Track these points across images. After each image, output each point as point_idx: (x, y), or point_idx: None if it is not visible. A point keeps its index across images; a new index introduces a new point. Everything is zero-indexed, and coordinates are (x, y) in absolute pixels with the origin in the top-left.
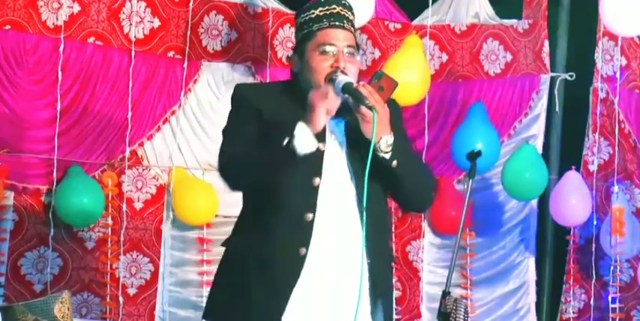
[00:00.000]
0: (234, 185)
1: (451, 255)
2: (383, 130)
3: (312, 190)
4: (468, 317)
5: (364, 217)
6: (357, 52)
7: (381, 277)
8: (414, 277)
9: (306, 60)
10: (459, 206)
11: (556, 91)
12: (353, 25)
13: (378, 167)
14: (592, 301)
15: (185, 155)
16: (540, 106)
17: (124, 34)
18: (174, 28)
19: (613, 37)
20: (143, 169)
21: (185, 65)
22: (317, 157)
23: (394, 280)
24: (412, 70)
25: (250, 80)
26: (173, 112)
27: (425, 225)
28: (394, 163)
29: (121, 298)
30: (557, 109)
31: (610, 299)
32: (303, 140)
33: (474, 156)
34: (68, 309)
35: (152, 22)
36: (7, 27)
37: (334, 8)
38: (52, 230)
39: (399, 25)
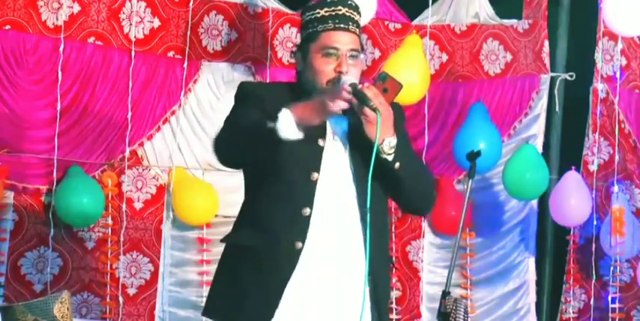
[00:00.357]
0: (225, 161)
1: (451, 255)
2: (386, 132)
3: (310, 185)
4: (467, 317)
5: (368, 218)
6: (361, 53)
7: (381, 277)
8: (414, 277)
9: (310, 61)
10: (459, 206)
11: (556, 91)
12: (358, 26)
13: (380, 168)
14: (592, 301)
15: (185, 155)
16: (540, 106)
17: (124, 34)
18: (174, 28)
19: (613, 37)
20: (143, 169)
21: (185, 65)
22: (316, 152)
23: (394, 280)
24: (412, 70)
25: (250, 80)
26: (173, 112)
27: (425, 225)
28: (397, 165)
29: (120, 298)
30: (557, 109)
31: (610, 299)
32: (286, 127)
33: (473, 156)
34: (68, 309)
35: (152, 22)
36: (7, 27)
37: (340, 9)
38: (52, 230)
39: (399, 25)
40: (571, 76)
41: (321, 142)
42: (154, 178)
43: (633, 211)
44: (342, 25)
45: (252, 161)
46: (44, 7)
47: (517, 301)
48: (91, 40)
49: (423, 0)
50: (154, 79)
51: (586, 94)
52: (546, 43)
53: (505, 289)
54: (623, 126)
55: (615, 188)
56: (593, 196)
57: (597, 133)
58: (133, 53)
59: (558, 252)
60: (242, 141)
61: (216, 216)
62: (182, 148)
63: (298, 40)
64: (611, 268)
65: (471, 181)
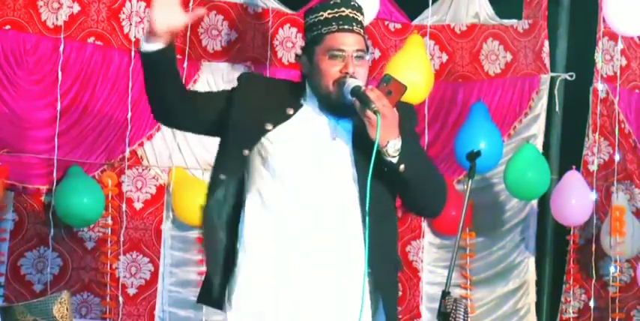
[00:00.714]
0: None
1: (451, 255)
2: (390, 134)
3: (241, 158)
4: (467, 317)
5: (367, 220)
6: (366, 53)
7: (385, 279)
8: (413, 277)
9: (316, 63)
10: (459, 206)
11: (556, 91)
12: (362, 27)
13: (385, 171)
14: (592, 301)
15: (185, 155)
16: (540, 106)
17: (124, 34)
18: None
19: (613, 37)
20: (143, 169)
21: (185, 65)
22: (258, 132)
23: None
24: (415, 70)
25: None
26: None
27: (425, 225)
28: (401, 167)
29: (120, 298)
30: (557, 109)
31: (610, 299)
32: (147, 39)
33: (473, 156)
34: (67, 309)
35: None
36: (7, 27)
37: (343, 11)
38: (52, 230)
39: (399, 25)
40: (571, 76)
41: (289, 111)
42: (153, 178)
43: (633, 211)
44: (346, 27)
45: (168, 104)
46: (44, 7)
47: (517, 301)
48: (91, 40)
49: (423, 0)
50: None
51: (586, 94)
52: (546, 43)
53: (505, 289)
54: (623, 126)
55: (615, 188)
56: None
57: (597, 133)
58: (132, 53)
59: (558, 252)
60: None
61: None
62: (182, 148)
63: (299, 41)
64: (611, 268)
65: (470, 181)
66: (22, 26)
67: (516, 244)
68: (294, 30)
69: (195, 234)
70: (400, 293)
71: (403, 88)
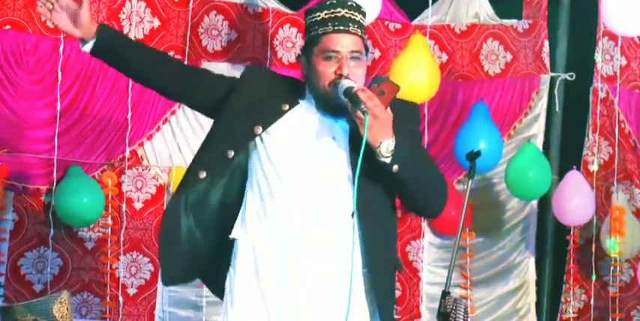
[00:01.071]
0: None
1: (451, 255)
2: (383, 135)
3: (224, 161)
4: (467, 317)
5: (354, 221)
6: (364, 55)
7: (379, 283)
8: (413, 277)
9: (313, 64)
10: (458, 206)
11: (556, 91)
12: (361, 26)
13: (379, 171)
14: (592, 301)
15: (185, 155)
16: (540, 106)
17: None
18: (174, 28)
19: (613, 37)
20: (143, 169)
21: None
22: (246, 134)
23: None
24: (421, 69)
25: None
26: (173, 112)
27: (424, 225)
28: (395, 167)
29: (120, 298)
30: (557, 109)
31: (610, 299)
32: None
33: (473, 156)
34: (67, 309)
35: (152, 22)
36: (7, 27)
37: (339, 11)
38: (52, 230)
39: (399, 25)
40: (571, 76)
41: (257, 130)
42: (153, 178)
43: (633, 211)
44: (341, 28)
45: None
46: None
47: (517, 301)
48: None
49: (423, 0)
50: None
51: (586, 94)
52: (546, 43)
53: (505, 289)
54: (623, 126)
55: (615, 188)
56: (594, 196)
57: (597, 133)
58: None
59: (558, 252)
60: None
61: None
62: (182, 148)
63: (299, 41)
64: (611, 268)
65: (470, 181)
66: (22, 26)
67: (516, 244)
68: (294, 30)
69: None
70: (400, 293)
71: (396, 89)
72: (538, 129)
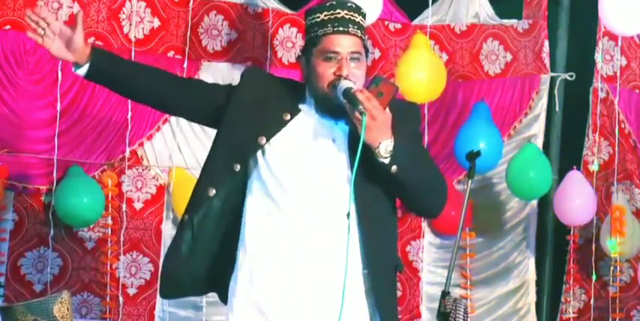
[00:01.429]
0: None
1: (451, 255)
2: (382, 136)
3: (231, 174)
4: (467, 317)
5: (348, 222)
6: (364, 55)
7: (380, 284)
8: (413, 277)
9: (312, 65)
10: (458, 206)
11: (556, 91)
12: (360, 27)
13: (377, 171)
14: (592, 301)
15: (185, 155)
16: (540, 106)
17: (124, 34)
18: (174, 28)
19: (613, 37)
20: (143, 169)
21: (185, 65)
22: (251, 147)
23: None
24: (427, 69)
25: None
26: None
27: (425, 225)
28: (393, 168)
29: (121, 298)
30: (557, 109)
31: (610, 299)
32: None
33: (473, 156)
34: (68, 309)
35: (152, 22)
36: (7, 27)
37: (339, 13)
38: (52, 230)
39: (399, 25)
40: (571, 76)
41: (260, 140)
42: (153, 178)
43: (633, 211)
44: (341, 29)
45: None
46: (44, 7)
47: (517, 301)
48: (91, 40)
49: (423, 0)
50: None
51: (586, 94)
52: (546, 43)
53: (505, 289)
54: (623, 126)
55: (615, 188)
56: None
57: (597, 133)
58: (133, 53)
59: (558, 252)
60: None
61: None
62: (182, 148)
63: (299, 41)
64: (611, 268)
65: (470, 181)
66: (22, 26)
67: (516, 244)
68: (294, 30)
69: None
70: (400, 293)
71: (394, 89)
72: (538, 129)
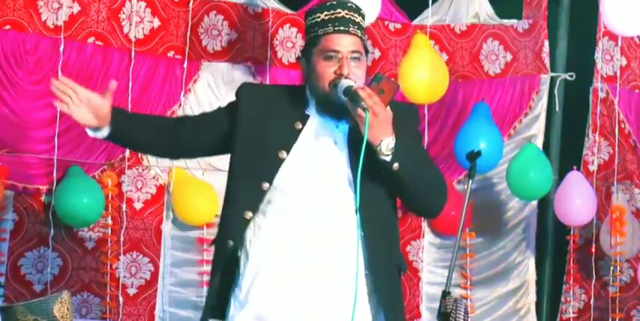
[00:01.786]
0: None
1: (451, 255)
2: (383, 133)
3: (259, 194)
4: (467, 317)
5: (358, 219)
6: (364, 55)
7: (382, 284)
8: (413, 277)
9: (313, 65)
10: (459, 206)
11: (556, 91)
12: (360, 28)
13: (379, 169)
14: (592, 301)
15: None
16: (540, 106)
17: (124, 34)
18: (174, 28)
19: (613, 37)
20: (143, 169)
21: (185, 65)
22: (274, 163)
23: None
24: (430, 69)
25: (250, 81)
26: (173, 113)
27: (425, 225)
28: (395, 165)
29: (121, 298)
30: (557, 109)
31: (610, 299)
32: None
33: (473, 156)
34: (68, 309)
35: (152, 22)
36: (7, 27)
37: (339, 12)
38: (52, 230)
39: (399, 25)
40: (571, 76)
41: (281, 155)
42: (153, 178)
43: (633, 211)
44: (341, 28)
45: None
46: (44, 7)
47: (517, 301)
48: (91, 40)
49: (423, 0)
50: (154, 79)
51: (586, 94)
52: (546, 43)
53: (505, 289)
54: (623, 126)
55: (615, 188)
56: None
57: (597, 133)
58: (133, 53)
59: (558, 252)
60: None
61: (216, 216)
62: None
63: (299, 41)
64: (611, 268)
65: (471, 181)
66: (22, 26)
67: (516, 244)
68: (294, 30)
69: (195, 234)
70: None
71: (395, 87)
72: (538, 129)
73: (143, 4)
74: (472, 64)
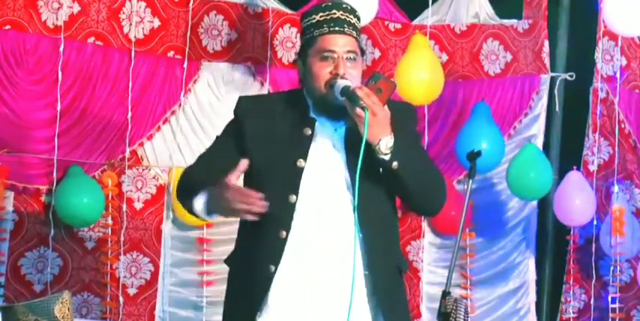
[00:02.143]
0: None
1: (451, 255)
2: (382, 132)
3: (289, 207)
4: (468, 317)
5: (355, 217)
6: (360, 56)
7: (381, 284)
8: (414, 277)
9: (309, 66)
10: (459, 206)
11: (556, 91)
12: (356, 29)
13: (380, 170)
14: (592, 301)
15: (185, 155)
16: (540, 106)
17: (124, 34)
18: (174, 28)
19: (613, 37)
20: (143, 169)
21: (185, 65)
22: (296, 173)
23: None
24: (426, 70)
25: (250, 81)
26: (173, 112)
27: (425, 225)
28: (394, 164)
29: (121, 298)
30: (557, 109)
31: (610, 299)
32: (201, 214)
33: (473, 156)
34: (69, 309)
35: (152, 22)
36: (7, 27)
37: (334, 13)
38: (52, 230)
39: (399, 25)
40: (571, 76)
41: (300, 163)
42: (154, 178)
43: (633, 211)
44: (337, 28)
45: None
46: (44, 7)
47: (517, 301)
48: (91, 40)
49: (423, 0)
50: (154, 79)
51: (586, 94)
52: (546, 43)
53: (505, 289)
54: (623, 126)
55: (615, 188)
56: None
57: (597, 133)
58: (133, 53)
59: (558, 252)
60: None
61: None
62: (182, 148)
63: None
64: (611, 268)
65: (471, 181)
66: (22, 26)
67: (516, 244)
68: (294, 30)
69: (195, 234)
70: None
71: (392, 86)
72: (538, 129)
73: (143, 4)
74: (472, 64)
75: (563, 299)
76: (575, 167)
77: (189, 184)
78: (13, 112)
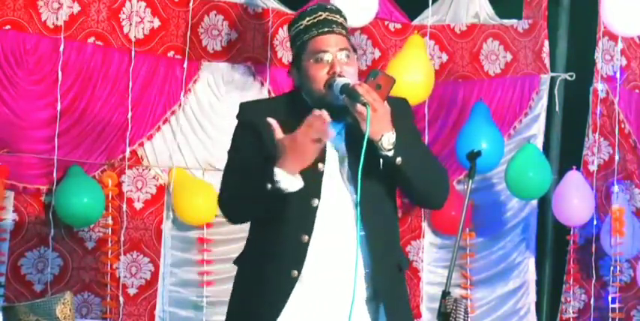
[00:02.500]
0: (235, 222)
1: (451, 255)
2: (383, 128)
3: (310, 212)
4: (468, 317)
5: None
6: (353, 53)
7: (382, 283)
8: (414, 277)
9: (304, 70)
10: (459, 206)
11: (556, 91)
12: (344, 28)
13: (382, 167)
14: (592, 301)
15: (185, 155)
16: (540, 106)
17: (124, 34)
18: (174, 28)
19: (613, 37)
20: (143, 169)
21: (185, 65)
22: (315, 177)
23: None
24: (416, 71)
25: (250, 81)
26: (173, 112)
27: (425, 225)
28: (398, 160)
29: (121, 298)
30: (557, 109)
31: (610, 299)
32: (285, 183)
33: (473, 156)
34: (70, 310)
35: (152, 22)
36: (7, 27)
37: (320, 15)
38: (52, 230)
39: (399, 25)
40: (571, 76)
41: (320, 167)
42: (154, 178)
43: (633, 211)
44: (325, 29)
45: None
46: (44, 7)
47: (517, 301)
48: (91, 40)
49: (423, 0)
50: (154, 79)
51: (586, 94)
52: (546, 43)
53: (505, 289)
54: (623, 126)
55: (615, 188)
56: (594, 196)
57: (597, 133)
58: (133, 53)
59: (558, 252)
60: (248, 207)
61: (216, 216)
62: (182, 148)
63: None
64: (611, 268)
65: (471, 181)
66: (22, 26)
67: (516, 244)
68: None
69: (195, 234)
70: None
71: (392, 81)
72: (538, 129)
73: (143, 4)
74: (472, 64)
75: (563, 299)
76: (574, 167)
77: (236, 191)
78: (13, 112)
